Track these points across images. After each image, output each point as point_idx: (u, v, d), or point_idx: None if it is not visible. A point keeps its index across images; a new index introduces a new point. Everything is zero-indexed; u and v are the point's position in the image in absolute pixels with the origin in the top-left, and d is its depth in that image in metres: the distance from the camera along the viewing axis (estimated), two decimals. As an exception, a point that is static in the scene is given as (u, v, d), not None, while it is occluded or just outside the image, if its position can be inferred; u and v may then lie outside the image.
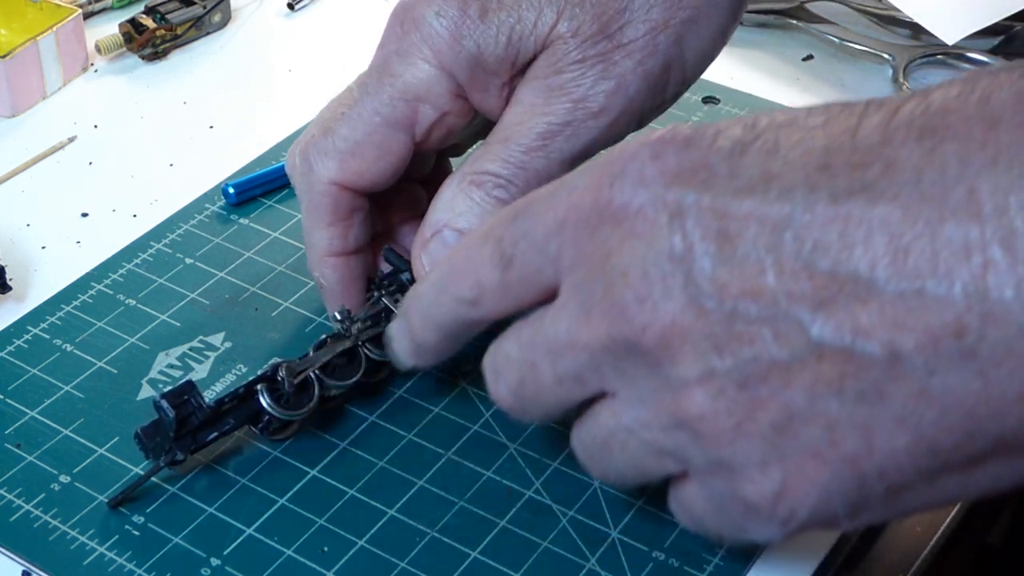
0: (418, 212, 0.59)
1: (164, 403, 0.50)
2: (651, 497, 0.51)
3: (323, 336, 0.55)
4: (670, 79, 0.54)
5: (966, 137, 0.35)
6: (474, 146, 0.61)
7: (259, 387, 0.52)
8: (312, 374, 0.53)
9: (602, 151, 0.54)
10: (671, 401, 0.39)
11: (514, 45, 0.53)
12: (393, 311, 0.55)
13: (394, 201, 0.59)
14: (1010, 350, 0.34)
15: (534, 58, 0.53)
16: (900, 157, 0.36)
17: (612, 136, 0.54)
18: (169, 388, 0.52)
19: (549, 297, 0.42)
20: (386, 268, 0.58)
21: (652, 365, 0.39)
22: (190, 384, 0.51)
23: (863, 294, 0.35)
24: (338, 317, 0.55)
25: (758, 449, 0.38)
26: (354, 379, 0.54)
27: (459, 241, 0.52)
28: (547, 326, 0.41)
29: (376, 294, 0.56)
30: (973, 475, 0.37)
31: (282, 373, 0.52)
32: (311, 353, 0.54)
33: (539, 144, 0.53)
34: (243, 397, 0.52)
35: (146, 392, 0.56)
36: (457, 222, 0.53)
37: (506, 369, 0.43)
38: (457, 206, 0.53)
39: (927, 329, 0.35)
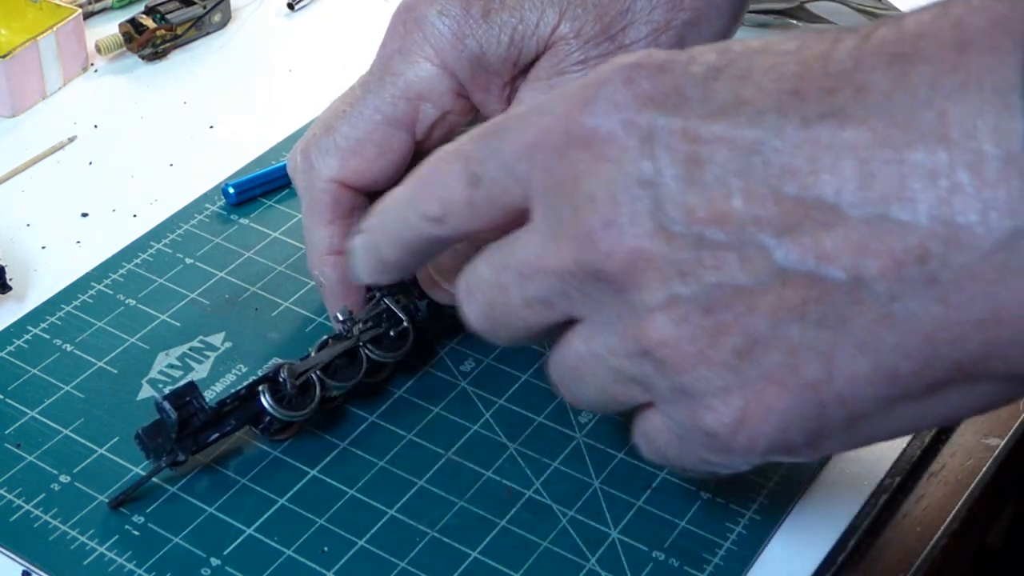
0: None
1: (166, 404, 0.50)
2: (651, 496, 0.52)
3: (324, 337, 0.55)
4: None
5: (937, 61, 0.35)
6: None
7: (261, 388, 0.52)
8: (313, 375, 0.53)
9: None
10: (636, 327, 0.39)
11: (516, 45, 0.53)
12: (395, 312, 0.55)
13: None
14: (972, 275, 0.34)
15: (536, 59, 0.53)
16: (871, 81, 0.36)
17: None
18: (171, 389, 0.52)
19: (517, 219, 0.41)
20: None
21: (618, 291, 0.39)
22: (192, 385, 0.51)
23: (828, 219, 0.35)
24: (340, 318, 0.55)
25: (719, 376, 0.38)
26: (355, 380, 0.54)
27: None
28: (517, 249, 0.41)
29: (377, 295, 0.56)
30: (931, 403, 0.37)
31: (284, 374, 0.52)
32: (312, 354, 0.54)
33: None
34: (244, 398, 0.52)
35: (146, 392, 0.56)
36: None
37: (477, 290, 0.43)
38: None
39: (891, 254, 0.35)
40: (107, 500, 0.51)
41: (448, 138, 0.56)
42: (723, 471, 0.41)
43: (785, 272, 0.36)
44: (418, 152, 0.56)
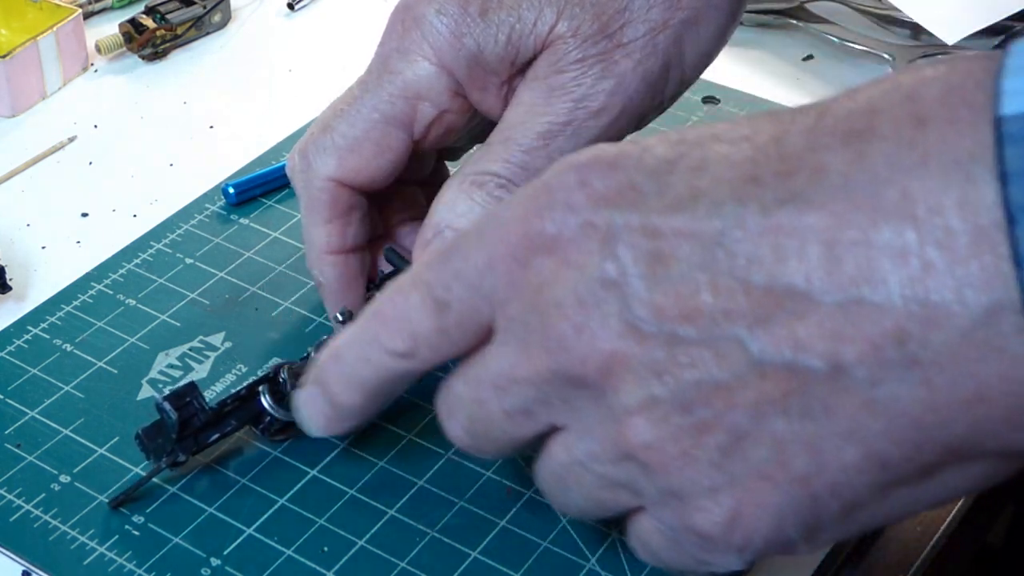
0: (417, 214, 0.59)
1: (166, 405, 0.50)
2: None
3: (323, 337, 0.55)
4: (669, 79, 0.54)
5: (894, 138, 0.34)
6: (473, 148, 0.61)
7: (261, 388, 0.52)
8: None
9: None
10: (616, 432, 0.38)
11: (514, 44, 0.53)
12: None
13: (393, 203, 0.59)
14: (953, 354, 0.33)
15: (534, 58, 0.53)
16: (827, 162, 0.35)
17: (612, 135, 0.54)
18: (171, 389, 0.52)
19: (487, 336, 0.41)
20: (387, 268, 0.58)
21: (596, 396, 0.38)
22: (192, 386, 0.51)
23: (800, 307, 0.35)
24: (339, 318, 0.55)
25: (706, 475, 0.37)
26: None
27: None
28: (490, 363, 0.40)
29: (377, 294, 0.56)
30: (927, 486, 0.36)
31: (284, 374, 0.52)
32: (312, 354, 0.54)
33: (540, 144, 0.53)
34: (245, 398, 0.52)
35: (146, 392, 0.56)
36: (458, 223, 0.53)
37: (456, 408, 0.42)
38: (458, 207, 0.53)
39: (868, 338, 0.34)
40: (107, 500, 0.51)
41: (446, 138, 0.56)
42: (721, 570, 0.40)
43: (762, 365, 0.35)
44: (416, 154, 0.56)
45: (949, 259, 0.33)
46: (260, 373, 0.57)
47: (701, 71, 0.56)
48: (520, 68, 0.54)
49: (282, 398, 0.52)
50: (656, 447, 0.37)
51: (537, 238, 0.38)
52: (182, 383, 0.53)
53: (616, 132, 0.54)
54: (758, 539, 0.38)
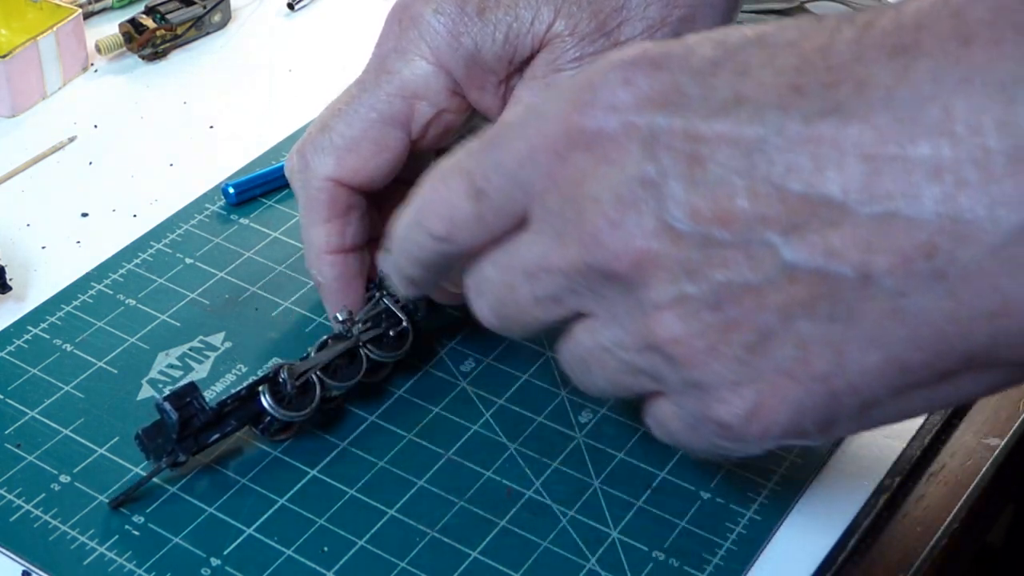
0: None
1: (167, 405, 0.50)
2: (651, 496, 0.52)
3: (324, 337, 0.55)
4: None
5: (940, 54, 0.35)
6: None
7: (261, 388, 0.52)
8: (314, 375, 0.53)
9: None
10: (644, 324, 0.39)
11: (511, 43, 0.53)
12: (394, 311, 0.55)
13: (392, 203, 0.59)
14: (980, 270, 0.34)
15: (532, 56, 0.53)
16: (872, 75, 0.35)
17: None
18: (171, 389, 0.52)
19: (523, 225, 0.42)
20: None
21: (626, 289, 0.39)
22: (192, 386, 0.51)
23: (835, 217, 0.35)
24: (339, 318, 0.55)
25: (731, 370, 0.38)
26: (355, 380, 0.54)
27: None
28: (523, 250, 0.41)
29: (377, 294, 0.56)
30: (942, 389, 0.38)
31: (284, 374, 0.52)
32: (312, 354, 0.54)
33: None
34: (245, 398, 0.52)
35: (146, 392, 0.56)
36: None
37: (486, 290, 0.43)
38: None
39: (899, 250, 0.35)
40: (107, 500, 0.51)
41: (444, 137, 0.56)
42: (735, 455, 0.42)
43: (793, 269, 0.36)
44: (414, 153, 0.56)
45: (984, 177, 0.34)
46: (260, 373, 0.57)
47: None
48: (518, 67, 0.54)
49: (282, 398, 0.52)
50: (683, 342, 0.39)
51: (578, 134, 0.39)
52: (182, 383, 0.53)
53: None
54: (776, 430, 0.39)
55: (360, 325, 0.55)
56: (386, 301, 0.55)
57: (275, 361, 0.56)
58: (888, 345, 0.36)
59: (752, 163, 0.36)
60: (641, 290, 0.39)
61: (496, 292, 0.43)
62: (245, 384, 0.53)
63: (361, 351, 0.54)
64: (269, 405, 0.52)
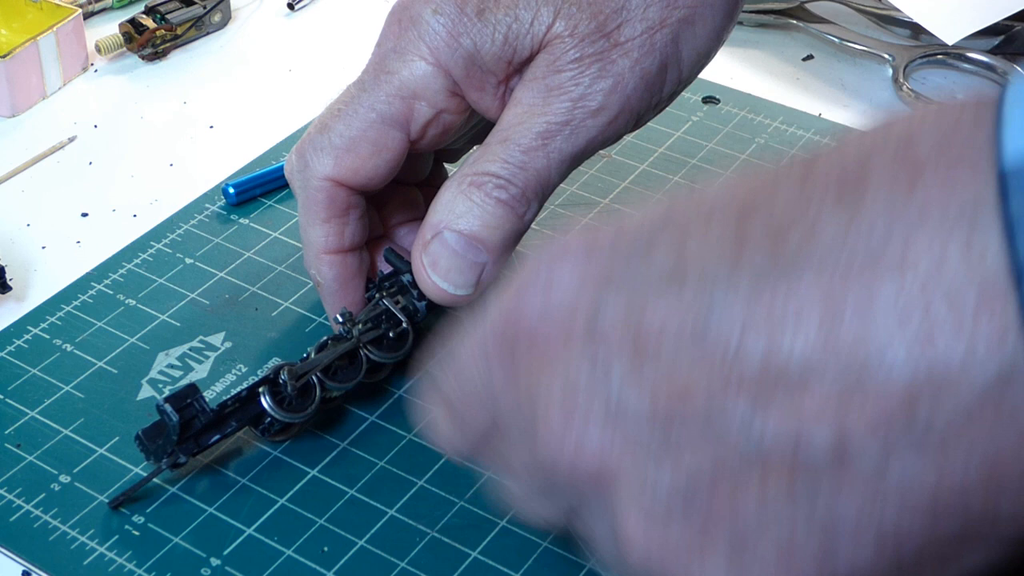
0: (416, 215, 0.59)
1: (167, 407, 0.50)
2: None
3: (324, 338, 0.55)
4: (667, 78, 0.54)
5: (890, 188, 0.31)
6: (472, 150, 0.61)
7: (261, 389, 0.52)
8: (314, 377, 0.53)
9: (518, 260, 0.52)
10: (621, 530, 0.36)
11: (511, 44, 0.53)
12: (394, 312, 0.55)
13: (391, 204, 0.59)
14: (968, 420, 0.30)
15: (531, 58, 0.53)
16: (820, 221, 0.32)
17: (610, 135, 0.54)
18: (172, 391, 0.52)
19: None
20: (386, 269, 0.58)
21: (596, 494, 0.36)
22: (193, 387, 0.51)
23: (801, 379, 0.32)
24: (339, 319, 0.55)
25: (719, 567, 0.34)
26: (355, 381, 0.54)
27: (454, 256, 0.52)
28: (502, 450, 0.40)
29: (376, 295, 0.56)
30: (941, 570, 0.33)
31: (284, 376, 0.52)
32: (312, 355, 0.54)
33: (539, 144, 0.53)
34: (245, 400, 0.52)
35: (146, 392, 0.56)
36: (457, 223, 0.53)
37: (504, 487, 0.42)
38: (457, 207, 0.53)
39: (876, 407, 0.31)
40: (107, 500, 0.51)
41: (443, 138, 0.56)
42: None
43: (764, 444, 0.32)
44: (413, 154, 0.56)
45: (957, 316, 0.30)
46: (260, 373, 0.57)
47: (698, 71, 0.56)
48: (517, 68, 0.54)
49: (283, 399, 0.52)
50: (660, 552, 0.35)
51: (519, 330, 0.37)
52: (182, 384, 0.53)
53: (614, 131, 0.54)
54: None
55: (360, 326, 0.55)
56: (386, 302, 0.55)
57: (275, 361, 0.56)
58: (880, 520, 0.32)
59: (704, 333, 0.33)
60: (607, 492, 0.35)
61: (505, 487, 0.42)
62: (245, 385, 0.53)
63: (361, 352, 0.54)
64: (269, 406, 0.52)
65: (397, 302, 0.55)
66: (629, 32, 0.53)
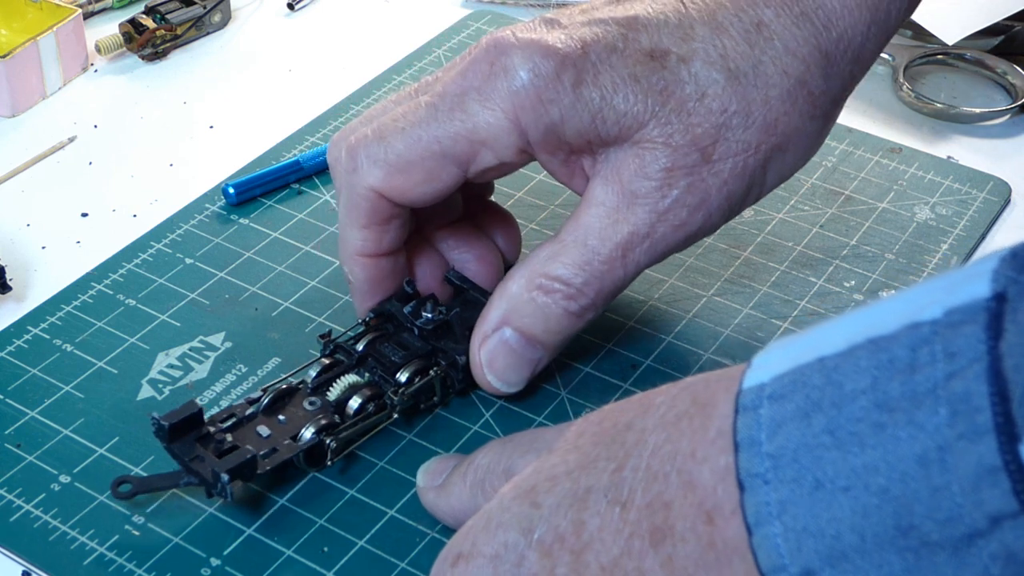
0: (453, 217, 0.58)
1: (224, 477, 0.49)
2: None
3: (360, 402, 0.54)
4: (747, 199, 0.54)
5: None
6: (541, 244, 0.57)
7: (298, 455, 0.52)
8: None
9: None
10: None
11: (596, 127, 0.52)
12: (435, 387, 0.55)
13: (433, 210, 0.58)
14: None
15: (611, 143, 0.52)
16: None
17: (685, 245, 0.54)
18: (218, 447, 0.51)
19: None
20: (426, 275, 0.57)
21: None
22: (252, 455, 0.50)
23: None
24: (367, 320, 0.55)
25: None
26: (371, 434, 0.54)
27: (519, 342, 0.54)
28: None
29: (434, 372, 0.55)
30: None
31: (331, 443, 0.52)
32: (320, 359, 0.54)
33: (618, 255, 0.52)
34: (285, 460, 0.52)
35: (146, 392, 0.56)
36: (520, 323, 0.53)
37: None
38: (523, 308, 0.53)
39: None
40: (108, 498, 0.51)
41: (498, 176, 0.55)
42: None
43: None
44: (464, 184, 0.55)
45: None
46: (260, 374, 0.57)
47: (773, 189, 0.55)
48: (596, 147, 0.53)
49: (319, 458, 0.53)
50: None
51: None
52: (182, 384, 0.53)
53: (690, 243, 0.54)
54: None
55: (401, 395, 0.54)
56: (436, 383, 0.55)
57: (275, 362, 0.55)
58: None
59: None
60: None
61: None
62: (287, 446, 0.52)
63: (394, 413, 0.54)
64: (301, 464, 0.52)
65: (446, 375, 0.55)
66: (723, 152, 0.52)
